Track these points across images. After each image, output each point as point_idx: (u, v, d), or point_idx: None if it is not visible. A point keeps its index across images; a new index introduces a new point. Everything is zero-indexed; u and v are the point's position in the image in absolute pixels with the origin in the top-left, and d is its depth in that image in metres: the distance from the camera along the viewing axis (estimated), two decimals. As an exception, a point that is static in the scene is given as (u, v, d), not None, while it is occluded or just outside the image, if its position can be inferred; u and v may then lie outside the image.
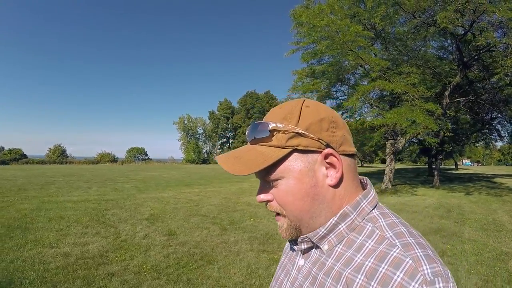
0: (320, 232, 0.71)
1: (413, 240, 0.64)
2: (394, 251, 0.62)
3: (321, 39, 13.86)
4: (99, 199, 11.64)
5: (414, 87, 13.40)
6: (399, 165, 64.98)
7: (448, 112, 16.14)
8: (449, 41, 16.67)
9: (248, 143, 0.76)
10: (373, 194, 0.75)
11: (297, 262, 0.80)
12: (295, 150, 0.69)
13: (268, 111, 0.76)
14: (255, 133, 0.72)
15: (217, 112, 75.56)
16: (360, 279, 0.63)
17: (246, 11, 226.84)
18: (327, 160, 0.70)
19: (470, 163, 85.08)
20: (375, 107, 15.82)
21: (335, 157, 0.69)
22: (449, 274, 0.60)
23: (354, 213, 0.71)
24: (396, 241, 0.64)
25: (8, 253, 5.38)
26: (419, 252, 0.61)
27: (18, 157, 58.88)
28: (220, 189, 16.45)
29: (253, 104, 60.61)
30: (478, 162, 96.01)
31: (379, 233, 0.67)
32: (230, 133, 75.08)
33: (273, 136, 0.69)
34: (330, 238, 0.72)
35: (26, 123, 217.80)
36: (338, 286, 0.66)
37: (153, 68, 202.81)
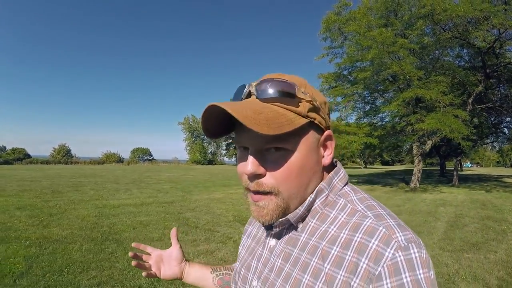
0: (299, 212, 0.72)
1: (384, 212, 0.66)
2: (367, 221, 0.64)
3: (366, 48, 14.87)
4: (156, 201, 11.40)
5: (444, 94, 14.64)
6: (400, 167, 65.71)
7: (470, 117, 17.39)
8: (465, 50, 17.99)
9: (255, 98, 0.68)
10: (343, 172, 0.77)
11: (268, 243, 0.80)
12: (312, 123, 0.69)
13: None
14: (277, 90, 0.66)
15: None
16: (335, 250, 0.64)
17: (252, 12, 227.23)
18: (326, 141, 0.72)
19: (470, 165, 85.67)
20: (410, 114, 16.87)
21: (332, 139, 0.73)
22: (421, 242, 0.62)
23: (328, 189, 0.73)
24: (368, 212, 0.66)
25: (137, 275, 4.41)
26: (391, 221, 0.63)
27: (21, 156, 58.51)
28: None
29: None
30: (477, 163, 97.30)
31: (351, 206, 0.70)
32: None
33: (297, 101, 0.66)
34: (304, 216, 0.73)
35: (28, 122, 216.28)
36: (314, 258, 0.67)
37: (157, 68, 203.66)
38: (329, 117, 0.76)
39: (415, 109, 16.12)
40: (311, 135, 0.69)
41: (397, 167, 55.85)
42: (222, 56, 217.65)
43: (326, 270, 0.63)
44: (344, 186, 0.75)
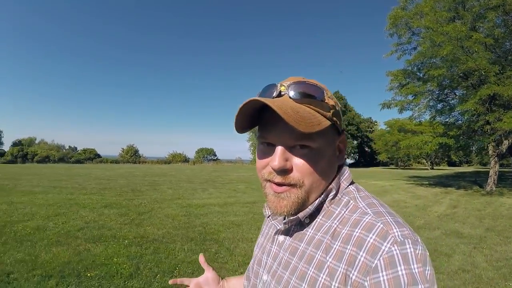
0: (310, 211, 0.75)
1: (383, 210, 0.70)
2: (367, 218, 0.68)
3: (438, 44, 14.10)
4: (238, 201, 11.33)
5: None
6: (468, 168, 61.69)
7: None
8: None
9: (287, 98, 0.72)
10: (348, 172, 0.82)
11: (277, 239, 0.84)
12: (333, 126, 0.75)
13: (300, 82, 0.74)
14: (309, 93, 0.72)
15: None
16: (337, 244, 0.68)
17: (311, 13, 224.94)
18: (341, 143, 0.80)
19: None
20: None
21: (345, 142, 0.81)
22: (419, 239, 0.64)
23: (336, 188, 0.77)
24: (368, 209, 0.70)
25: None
26: (389, 218, 0.66)
27: (92, 156, 62.16)
28: (377, 183, 17.59)
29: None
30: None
31: (353, 203, 0.74)
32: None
33: (323, 104, 0.72)
34: (312, 213, 0.76)
35: (97, 124, 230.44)
36: (318, 252, 0.71)
37: (221, 68, 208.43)
38: (341, 123, 0.80)
39: (492, 107, 14.98)
40: (332, 136, 0.75)
41: (466, 169, 52.17)
42: (285, 54, 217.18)
43: (328, 263, 0.67)
44: (349, 185, 0.79)
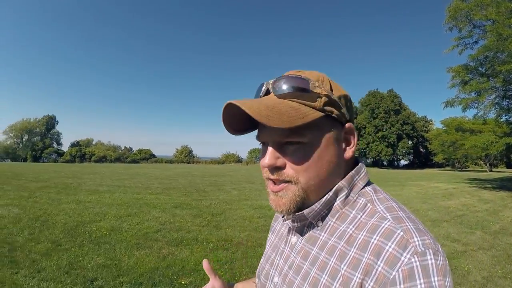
0: (316, 208, 0.71)
1: (403, 214, 0.65)
2: (386, 223, 0.63)
3: (504, 38, 13.25)
4: None
5: None
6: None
7: None
8: None
9: (272, 95, 0.71)
10: (365, 171, 0.77)
11: (290, 240, 0.80)
12: (329, 117, 0.70)
13: (315, 78, 0.71)
14: (291, 86, 0.68)
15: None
16: (353, 251, 0.64)
17: (352, 10, 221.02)
18: (347, 135, 0.73)
19: None
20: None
21: (354, 132, 0.74)
22: (440, 248, 0.60)
23: (348, 188, 0.72)
24: (387, 214, 0.65)
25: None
26: (410, 225, 0.62)
27: (147, 156, 64.30)
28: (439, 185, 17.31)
29: (378, 104, 58.09)
30: None
31: (371, 206, 0.69)
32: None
33: (313, 96, 0.68)
34: (323, 214, 0.72)
35: (152, 126, 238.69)
36: (332, 258, 0.67)
37: (269, 67, 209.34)
38: (352, 111, 0.76)
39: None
40: (329, 128, 0.70)
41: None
42: (333, 55, 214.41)
43: (343, 271, 0.63)
44: (366, 185, 0.75)
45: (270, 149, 0.70)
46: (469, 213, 9.64)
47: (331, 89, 0.71)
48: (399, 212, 0.66)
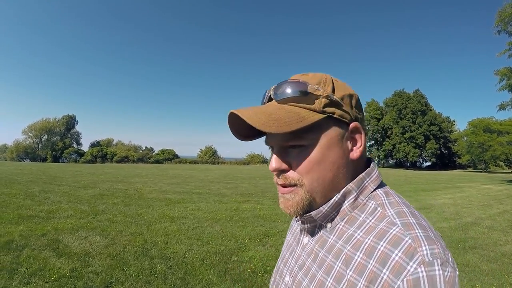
0: (324, 210, 0.72)
1: (414, 220, 0.63)
2: (394, 229, 0.62)
3: None
4: None
5: None
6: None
7: None
8: None
9: (274, 101, 0.73)
10: (377, 173, 0.75)
11: (302, 240, 0.81)
12: (330, 118, 0.69)
13: (341, 87, 0.73)
14: (289, 92, 0.70)
15: (364, 114, 70.19)
16: (359, 256, 0.63)
17: (385, 8, 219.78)
18: (354, 135, 0.72)
19: None
20: None
21: (361, 132, 0.72)
22: (450, 258, 0.58)
23: (357, 191, 0.72)
24: (397, 219, 0.64)
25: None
26: (419, 233, 0.60)
27: (171, 157, 63.59)
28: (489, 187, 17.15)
29: (405, 104, 57.33)
30: None
31: (381, 210, 0.68)
32: (377, 134, 68.23)
33: (311, 98, 0.68)
34: (332, 216, 0.73)
35: (172, 125, 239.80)
36: (337, 262, 0.66)
37: (295, 67, 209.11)
38: (360, 110, 0.75)
39: None
40: (331, 129, 0.70)
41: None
42: (360, 55, 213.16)
43: (348, 276, 0.63)
44: (377, 188, 0.74)
45: (274, 154, 0.73)
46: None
47: (334, 90, 0.70)
48: (409, 218, 0.64)
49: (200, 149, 69.57)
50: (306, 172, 0.69)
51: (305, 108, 0.68)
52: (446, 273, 0.55)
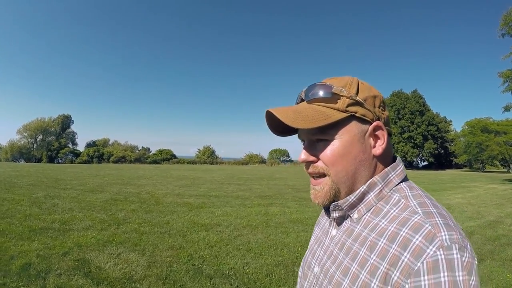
0: (350, 200, 0.78)
1: (435, 210, 0.68)
2: (416, 217, 0.66)
3: None
4: None
5: None
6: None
7: None
8: None
9: (304, 102, 0.81)
10: (401, 168, 0.81)
11: (330, 232, 0.87)
12: (353, 117, 0.76)
13: (370, 92, 0.79)
14: (316, 93, 0.78)
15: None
16: (382, 242, 0.68)
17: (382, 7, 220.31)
18: (376, 132, 0.78)
19: None
20: None
21: (383, 130, 0.78)
22: (469, 245, 0.61)
23: (382, 183, 0.78)
24: (419, 209, 0.69)
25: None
26: (439, 220, 0.64)
27: (168, 157, 63.04)
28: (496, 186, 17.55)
29: (404, 105, 57.42)
30: None
31: (404, 201, 0.73)
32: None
33: (335, 99, 0.76)
34: (360, 207, 0.78)
35: (172, 126, 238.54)
36: (363, 249, 0.71)
37: (292, 67, 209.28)
38: (385, 110, 0.81)
39: None
40: (354, 127, 0.76)
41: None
42: (356, 54, 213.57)
43: (372, 260, 0.68)
44: (401, 182, 0.79)
45: (303, 146, 0.82)
46: None
47: (358, 91, 0.77)
48: (430, 208, 0.68)
49: (198, 149, 69.06)
50: (331, 164, 0.77)
51: (330, 108, 0.76)
52: (464, 258, 0.58)
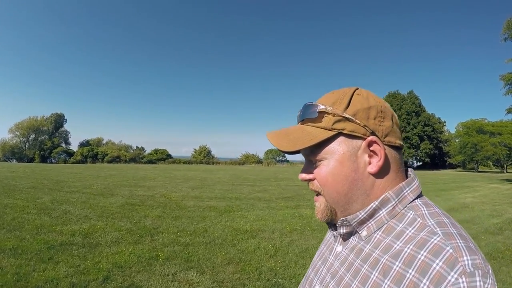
0: (360, 216, 0.72)
1: (455, 231, 0.63)
2: (435, 239, 0.61)
3: None
4: None
5: None
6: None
7: None
8: None
9: (299, 123, 0.80)
10: (417, 184, 0.75)
11: (335, 249, 0.81)
12: (341, 134, 0.72)
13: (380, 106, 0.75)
14: (305, 113, 0.76)
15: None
16: (397, 266, 0.62)
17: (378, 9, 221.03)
18: (371, 148, 0.71)
19: None
20: None
21: (379, 145, 0.71)
22: (490, 270, 0.57)
23: (396, 200, 0.71)
24: (438, 229, 0.63)
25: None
26: (460, 243, 0.59)
27: (164, 157, 62.69)
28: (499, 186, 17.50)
29: (400, 105, 57.91)
30: None
31: (421, 221, 0.67)
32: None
33: (321, 118, 0.73)
34: (369, 224, 0.73)
35: (167, 126, 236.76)
36: (374, 272, 0.65)
37: (284, 68, 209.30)
38: (382, 122, 0.73)
39: None
40: (343, 145, 0.72)
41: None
42: (352, 55, 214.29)
43: (386, 286, 0.62)
44: (416, 198, 0.73)
45: (304, 165, 0.80)
46: None
47: (348, 105, 0.72)
48: (450, 228, 0.63)
49: (194, 149, 68.54)
50: (323, 184, 0.74)
51: (318, 127, 0.73)
52: (487, 285, 0.54)
